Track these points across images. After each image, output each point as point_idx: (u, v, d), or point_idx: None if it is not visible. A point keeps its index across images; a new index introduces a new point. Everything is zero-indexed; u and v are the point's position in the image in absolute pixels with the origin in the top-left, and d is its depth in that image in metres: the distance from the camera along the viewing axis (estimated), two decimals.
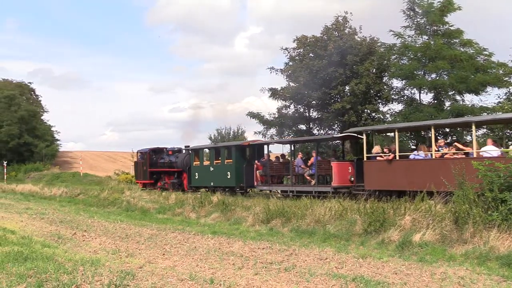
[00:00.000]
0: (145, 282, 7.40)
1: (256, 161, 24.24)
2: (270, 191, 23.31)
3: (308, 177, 21.79)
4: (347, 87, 29.36)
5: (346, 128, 26.41)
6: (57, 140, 66.95)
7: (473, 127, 16.10)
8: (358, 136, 20.24)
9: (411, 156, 17.77)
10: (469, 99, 25.75)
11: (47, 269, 7.79)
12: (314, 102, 31.59)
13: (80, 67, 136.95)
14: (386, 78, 29.16)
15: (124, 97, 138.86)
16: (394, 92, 28.16)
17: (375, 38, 30.01)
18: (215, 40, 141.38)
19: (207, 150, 28.27)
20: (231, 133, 47.99)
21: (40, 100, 69.14)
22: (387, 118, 28.38)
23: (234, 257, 9.97)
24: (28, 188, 36.39)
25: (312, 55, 30.23)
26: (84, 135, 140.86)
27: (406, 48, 26.14)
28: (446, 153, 16.72)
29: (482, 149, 15.82)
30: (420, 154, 17.47)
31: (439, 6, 25.34)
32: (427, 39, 25.91)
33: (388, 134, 22.97)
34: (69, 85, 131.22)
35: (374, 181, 18.15)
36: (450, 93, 25.26)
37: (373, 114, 29.19)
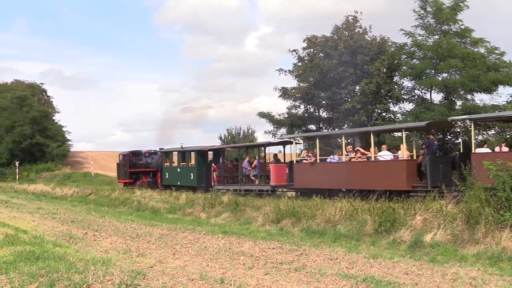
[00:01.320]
0: (155, 281, 7.41)
1: (213, 164, 27.79)
2: (227, 190, 25.13)
3: (253, 177, 25.24)
4: (357, 87, 29.28)
5: (357, 128, 26.86)
6: (69, 140, 67.36)
7: (371, 135, 19.54)
8: (295, 142, 23.69)
9: (328, 160, 20.87)
10: (480, 98, 25.60)
11: (59, 268, 7.83)
12: (324, 102, 31.55)
13: (90, 68, 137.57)
14: (396, 77, 29.03)
15: (134, 97, 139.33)
16: (404, 92, 28.03)
17: (385, 38, 29.92)
18: (224, 40, 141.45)
19: (175, 153, 30.78)
20: (241, 133, 48.02)
21: (51, 101, 69.60)
22: (398, 117, 28.27)
23: (244, 257, 9.97)
24: (39, 188, 36.63)
25: (322, 55, 30.17)
26: (95, 135, 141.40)
27: (417, 46, 26.01)
28: (353, 157, 19.92)
29: (378, 154, 18.93)
30: (335, 158, 20.70)
31: (451, 4, 25.21)
32: (437, 39, 25.77)
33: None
34: (79, 85, 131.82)
35: (300, 181, 21.24)
36: (461, 92, 25.07)
37: (384, 114, 29.09)
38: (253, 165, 25.51)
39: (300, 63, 31.65)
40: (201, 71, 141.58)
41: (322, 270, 8.56)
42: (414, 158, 18.42)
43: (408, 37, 26.66)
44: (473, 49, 25.15)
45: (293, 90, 31.65)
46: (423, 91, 27.23)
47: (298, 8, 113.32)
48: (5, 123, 58.60)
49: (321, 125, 32.36)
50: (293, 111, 32.38)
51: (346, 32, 29.83)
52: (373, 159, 18.91)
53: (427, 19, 26.41)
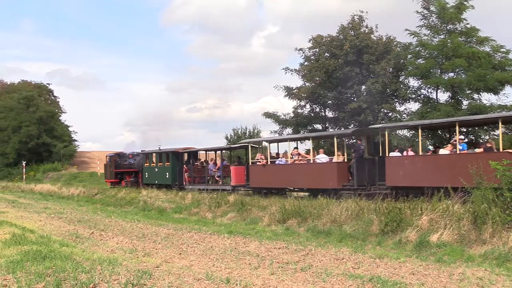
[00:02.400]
0: (161, 281, 7.43)
1: (184, 165, 30.17)
2: (199, 189, 27.72)
3: (217, 178, 27.66)
4: (363, 87, 29.22)
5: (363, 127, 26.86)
6: (75, 140, 67.62)
7: (310, 140, 23.51)
8: (253, 145, 25.98)
9: (277, 162, 23.23)
10: (487, 97, 25.47)
11: (65, 268, 7.86)
12: (330, 101, 31.51)
13: (96, 68, 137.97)
14: (402, 77, 28.94)
15: (141, 97, 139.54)
16: (411, 91, 27.92)
17: (391, 37, 29.84)
18: (231, 40, 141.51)
19: (154, 154, 33.02)
20: (247, 133, 48.00)
21: (58, 101, 69.90)
22: (404, 117, 28.20)
23: (250, 257, 9.98)
24: (46, 188, 36.81)
25: (328, 55, 30.14)
26: (101, 135, 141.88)
27: (422, 46, 25.93)
28: (296, 159, 22.25)
29: (316, 157, 21.47)
30: (283, 160, 23.07)
31: (456, 3, 25.12)
32: (442, 38, 25.67)
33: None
34: (86, 85, 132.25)
35: (255, 181, 23.72)
36: (467, 92, 24.96)
37: (390, 113, 29.02)
38: (217, 167, 28.07)
39: (306, 63, 31.63)
40: (208, 71, 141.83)
41: (328, 270, 8.56)
42: (346, 160, 20.79)
43: (413, 36, 26.59)
44: (478, 47, 25.03)
45: (296, 90, 31.60)
46: (429, 90, 27.13)
47: (305, 7, 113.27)
48: (12, 123, 58.89)
49: (327, 125, 32.32)
50: (299, 110, 32.36)
51: (352, 32, 29.77)
52: (311, 161, 21.44)
53: (431, 19, 26.31)
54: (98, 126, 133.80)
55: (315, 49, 31.30)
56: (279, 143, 25.14)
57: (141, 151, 35.64)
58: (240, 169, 25.58)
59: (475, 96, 25.37)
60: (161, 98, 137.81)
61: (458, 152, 17.06)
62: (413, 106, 28.56)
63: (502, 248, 9.55)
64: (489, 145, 17.11)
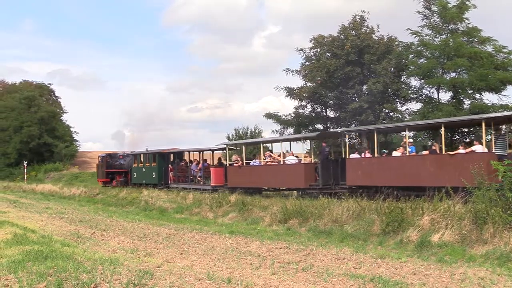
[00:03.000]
0: (163, 281, 7.43)
1: (170, 165, 31.87)
2: (183, 187, 29.24)
3: (199, 178, 28.98)
4: (364, 86, 29.21)
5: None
6: (76, 140, 67.66)
7: (280, 143, 24.29)
8: (231, 148, 27.89)
9: (251, 163, 24.83)
10: (489, 97, 25.45)
11: (67, 268, 7.86)
12: (331, 101, 31.49)
13: (97, 68, 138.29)
14: (404, 77, 28.92)
15: (142, 97, 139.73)
16: (412, 91, 27.89)
17: (392, 37, 29.82)
18: (232, 40, 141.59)
19: (142, 155, 34.74)
20: (248, 133, 48.00)
21: (59, 101, 69.91)
22: (405, 117, 28.18)
23: (251, 257, 9.98)
24: (48, 188, 36.86)
25: (329, 55, 30.12)
26: (102, 135, 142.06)
27: (424, 45, 25.90)
28: (268, 161, 24.00)
29: (286, 158, 22.78)
30: (257, 162, 24.67)
31: (457, 3, 25.09)
32: (444, 38, 25.65)
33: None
34: (87, 85, 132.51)
35: (232, 181, 25.04)
36: (469, 92, 24.93)
37: (391, 113, 29.00)
38: (198, 168, 29.38)
39: (307, 63, 31.61)
40: (209, 71, 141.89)
41: (329, 270, 8.55)
42: (313, 162, 22.12)
43: (415, 36, 26.57)
44: (480, 47, 25.00)
45: (297, 90, 31.59)
46: (431, 90, 27.12)
47: (306, 7, 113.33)
48: (13, 123, 58.94)
49: (328, 125, 32.31)
50: (300, 111, 32.35)
51: (353, 32, 29.75)
52: (282, 163, 22.88)
53: (433, 19, 26.29)
54: (98, 126, 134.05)
55: (316, 49, 31.29)
56: (267, 144, 26.75)
57: (131, 152, 37.83)
58: (219, 170, 26.90)
59: (477, 96, 25.35)
60: (162, 98, 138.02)
61: (407, 154, 18.43)
62: (415, 106, 28.57)
63: (504, 248, 9.54)
64: (434, 147, 18.54)
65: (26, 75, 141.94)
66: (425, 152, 18.63)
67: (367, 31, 29.95)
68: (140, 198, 24.90)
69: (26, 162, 50.72)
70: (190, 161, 31.37)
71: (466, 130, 24.15)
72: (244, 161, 25.03)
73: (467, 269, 8.56)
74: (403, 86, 28.51)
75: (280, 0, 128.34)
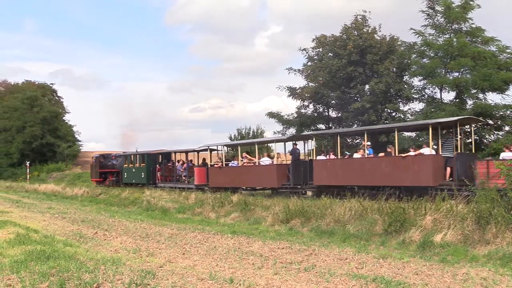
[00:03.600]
0: (165, 281, 7.44)
1: (157, 165, 33.33)
2: (169, 186, 30.43)
3: (184, 177, 30.56)
4: (366, 86, 29.20)
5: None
6: (78, 140, 67.71)
7: (255, 146, 26.35)
8: (212, 149, 28.79)
9: (230, 164, 26.32)
10: (492, 97, 25.44)
11: (69, 267, 7.88)
12: (333, 101, 31.50)
13: (99, 68, 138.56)
14: (406, 77, 28.90)
15: (143, 97, 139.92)
16: (415, 91, 27.87)
17: (395, 37, 29.80)
18: (234, 40, 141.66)
19: (132, 156, 35.95)
20: (251, 133, 47.97)
21: (62, 101, 69.95)
22: (408, 117, 28.16)
23: (253, 257, 9.98)
24: (50, 188, 36.88)
25: (331, 55, 30.12)
26: (104, 135, 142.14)
27: (427, 45, 25.86)
28: (245, 162, 25.60)
29: (261, 159, 24.54)
30: (235, 163, 26.18)
31: (461, 3, 25.05)
32: (448, 38, 25.61)
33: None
34: (89, 85, 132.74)
35: (213, 181, 26.52)
36: (473, 92, 24.88)
37: (394, 113, 28.99)
38: (183, 168, 30.96)
39: (309, 63, 31.62)
40: (211, 70, 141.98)
41: (332, 270, 8.55)
42: (285, 163, 24.02)
43: (418, 36, 26.52)
44: (484, 47, 24.96)
45: (299, 90, 31.62)
46: (433, 90, 27.09)
47: (308, 7, 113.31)
48: (16, 124, 59.00)
49: (330, 125, 32.31)
50: (302, 110, 32.37)
51: (355, 32, 29.75)
52: (257, 163, 24.60)
53: (436, 18, 26.25)
54: (101, 126, 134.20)
55: (318, 49, 31.30)
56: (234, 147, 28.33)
57: (123, 152, 39.65)
58: (202, 170, 28.27)
59: (480, 95, 25.29)
60: (164, 98, 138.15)
61: (366, 156, 20.01)
62: (417, 106, 28.55)
63: (506, 248, 9.53)
64: (389, 150, 19.98)
65: (28, 75, 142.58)
66: (381, 154, 20.10)
67: (369, 31, 29.94)
68: (142, 198, 24.89)
69: (28, 162, 50.79)
70: (178, 161, 32.57)
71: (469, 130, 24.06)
72: (224, 162, 26.64)
73: (469, 269, 8.55)
74: (405, 86, 28.49)
75: (283, 0, 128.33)
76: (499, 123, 24.65)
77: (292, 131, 32.34)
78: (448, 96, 26.55)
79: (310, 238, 12.73)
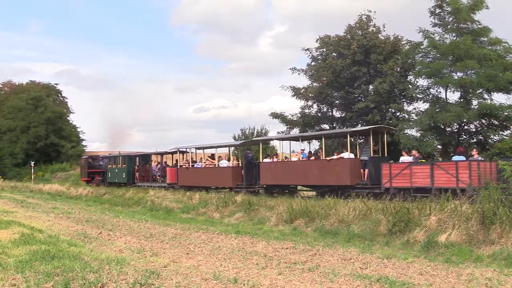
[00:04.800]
0: (169, 281, 7.45)
1: (136, 166, 36.16)
2: (145, 185, 32.90)
3: (158, 177, 33.69)
4: (371, 86, 29.11)
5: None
6: (83, 140, 67.79)
7: (215, 149, 29.61)
8: (181, 150, 31.13)
9: (195, 165, 29.20)
10: (497, 97, 25.32)
11: (74, 267, 7.90)
12: (337, 101, 31.44)
13: (105, 68, 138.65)
14: (411, 76, 28.81)
15: (149, 97, 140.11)
16: (419, 91, 27.77)
17: (399, 37, 29.72)
18: (239, 40, 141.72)
19: (115, 157, 38.96)
20: (255, 133, 47.99)
21: (66, 101, 70.01)
22: (412, 117, 28.07)
23: (257, 257, 9.98)
24: (54, 188, 37.02)
25: (335, 55, 30.07)
26: (110, 135, 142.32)
27: (434, 47, 25.74)
28: (207, 164, 28.76)
29: (220, 162, 27.60)
30: (199, 164, 29.15)
31: (469, 4, 24.92)
32: (454, 37, 25.51)
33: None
34: (94, 85, 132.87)
35: (182, 180, 29.29)
36: (478, 92, 24.77)
37: (398, 113, 28.91)
38: (157, 168, 34.37)
39: (313, 63, 31.57)
40: (216, 70, 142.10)
41: (336, 270, 8.54)
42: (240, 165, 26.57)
43: (425, 38, 26.37)
44: (490, 48, 24.85)
45: (303, 90, 31.58)
46: (438, 90, 26.98)
47: (313, 7, 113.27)
48: (20, 124, 59.08)
49: (334, 125, 32.25)
50: (306, 111, 32.32)
51: (360, 31, 29.68)
52: (217, 165, 27.70)
53: (444, 18, 26.10)
54: (106, 126, 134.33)
55: (322, 49, 31.25)
56: (204, 150, 30.67)
57: (109, 154, 43.12)
58: (173, 170, 31.02)
59: (486, 96, 25.17)
60: (169, 98, 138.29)
61: (300, 159, 23.13)
62: (422, 106, 28.45)
63: (511, 248, 9.50)
64: (319, 154, 22.95)
65: (33, 76, 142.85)
66: (312, 158, 22.81)
67: (374, 31, 29.87)
68: (147, 198, 24.95)
69: (33, 162, 50.90)
70: (161, 162, 35.72)
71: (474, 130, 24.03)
72: (190, 164, 29.60)
73: (474, 270, 8.53)
74: (409, 86, 28.40)
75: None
76: (504, 123, 24.52)
77: (296, 131, 32.30)
78: (453, 96, 26.45)
79: (314, 238, 12.73)
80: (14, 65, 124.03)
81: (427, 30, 26.23)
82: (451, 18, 25.81)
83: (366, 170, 20.03)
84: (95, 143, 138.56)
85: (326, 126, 32.33)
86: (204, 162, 28.94)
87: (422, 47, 26.87)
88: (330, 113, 32.58)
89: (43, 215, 19.44)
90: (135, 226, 15.93)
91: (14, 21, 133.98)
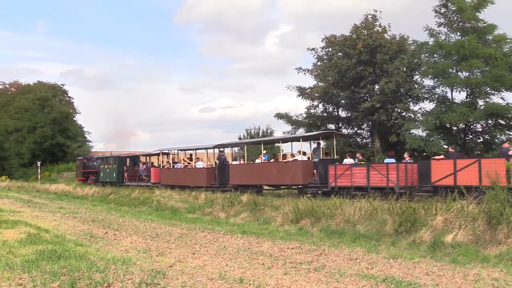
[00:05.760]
0: (175, 281, 7.45)
1: (124, 167, 38.60)
2: (134, 184, 35.06)
3: (144, 177, 36.01)
4: (376, 86, 29.05)
5: (376, 127, 27.04)
6: (89, 141, 68.02)
7: (193, 152, 32.14)
8: (164, 152, 34.88)
9: (175, 166, 32.29)
10: (504, 96, 25.12)
11: (80, 267, 7.92)
12: (343, 101, 31.39)
13: (110, 68, 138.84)
14: (417, 76, 28.72)
15: (154, 97, 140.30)
16: (425, 91, 27.67)
17: (405, 36, 29.64)
18: (244, 39, 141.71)
19: (107, 158, 41.59)
20: (260, 133, 48.00)
21: (72, 102, 70.21)
22: (418, 117, 27.98)
23: (263, 257, 9.97)
24: (61, 188, 37.15)
25: (341, 54, 30.01)
26: (115, 136, 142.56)
27: (440, 46, 25.62)
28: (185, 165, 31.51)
29: (196, 163, 30.10)
30: (179, 165, 32.06)
31: (473, 3, 24.77)
32: (459, 36, 25.39)
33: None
34: (99, 85, 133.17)
35: (164, 179, 32.01)
36: (484, 91, 24.62)
37: (404, 113, 28.83)
38: (143, 169, 36.76)
39: (319, 63, 31.53)
40: (221, 70, 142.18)
41: (342, 270, 8.53)
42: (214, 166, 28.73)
43: (430, 36, 26.26)
44: (495, 46, 24.70)
45: (309, 90, 31.54)
46: (444, 90, 26.87)
47: (319, 6, 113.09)
48: (27, 124, 59.35)
49: (340, 125, 32.21)
50: (312, 111, 32.28)
51: (365, 31, 29.61)
52: (193, 166, 30.28)
53: (449, 17, 25.97)
54: (111, 126, 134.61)
55: (328, 49, 31.20)
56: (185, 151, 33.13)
57: (102, 155, 45.67)
58: (157, 170, 33.82)
59: (493, 95, 25.01)
60: (174, 98, 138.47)
61: (262, 161, 25.31)
62: (428, 106, 28.36)
63: None
64: (277, 156, 25.70)
65: (40, 76, 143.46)
66: (272, 160, 25.21)
67: (379, 31, 29.79)
68: (152, 198, 24.99)
69: (39, 162, 51.12)
70: (143, 163, 38.06)
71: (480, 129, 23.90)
72: (171, 164, 32.73)
73: (481, 270, 8.49)
74: (415, 85, 28.32)
75: None
76: (511, 123, 24.39)
77: (301, 131, 32.28)
78: (460, 96, 26.33)
79: (320, 238, 12.71)
80: (20, 65, 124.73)
81: (432, 29, 26.13)
82: (456, 17, 25.68)
83: (316, 171, 22.04)
84: (101, 143, 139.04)
85: (331, 126, 32.28)
86: (183, 163, 31.63)
87: (427, 46, 26.76)
88: (336, 113, 32.54)
89: (49, 215, 19.50)
90: (141, 226, 15.95)
91: (21, 22, 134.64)
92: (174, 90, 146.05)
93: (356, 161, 22.03)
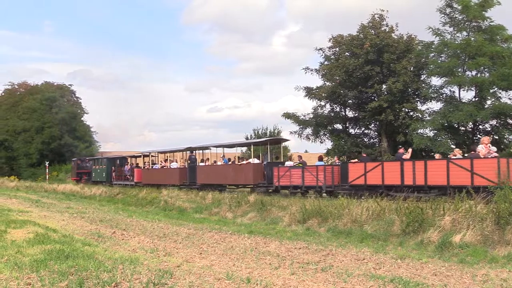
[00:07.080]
0: (182, 281, 7.46)
1: (112, 167, 41.21)
2: (120, 184, 37.65)
3: (129, 177, 38.05)
4: (384, 86, 29.00)
5: (384, 127, 27.06)
6: (97, 141, 68.20)
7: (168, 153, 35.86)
8: (145, 155, 38.69)
9: (154, 167, 35.42)
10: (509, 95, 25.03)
11: (88, 267, 7.94)
12: (350, 101, 31.35)
13: (117, 69, 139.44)
14: (424, 76, 28.63)
15: (161, 97, 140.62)
16: (432, 90, 27.58)
17: (412, 36, 29.55)
18: (252, 39, 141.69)
19: (98, 159, 44.83)
20: (268, 133, 47.96)
21: (80, 102, 70.40)
22: (426, 116, 27.91)
23: (270, 257, 9.96)
24: (69, 188, 37.26)
25: (348, 54, 29.96)
26: (122, 136, 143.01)
27: (445, 45, 25.54)
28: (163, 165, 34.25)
29: (171, 164, 32.94)
30: (157, 166, 34.83)
31: (479, 1, 24.67)
32: (466, 36, 25.29)
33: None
34: (107, 86, 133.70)
35: (146, 179, 34.68)
36: (492, 91, 24.51)
37: (411, 113, 28.75)
38: (127, 168, 39.07)
39: (326, 62, 31.50)
40: (228, 70, 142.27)
41: (349, 271, 8.50)
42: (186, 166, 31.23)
43: (436, 36, 26.19)
44: (503, 45, 24.60)
45: (316, 90, 31.53)
46: (451, 89, 26.78)
47: (326, 6, 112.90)
48: (35, 124, 59.59)
49: (347, 125, 32.18)
50: (319, 111, 32.26)
51: (373, 31, 29.55)
52: (168, 167, 33.01)
53: (454, 16, 25.89)
54: (119, 126, 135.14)
55: (335, 49, 31.16)
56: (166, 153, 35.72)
57: (93, 156, 49.26)
58: (139, 171, 36.55)
59: (501, 94, 24.89)
60: (181, 98, 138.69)
61: (222, 164, 28.10)
62: (435, 105, 28.28)
63: None
64: (233, 159, 28.88)
65: (48, 76, 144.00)
66: (230, 162, 27.99)
67: (387, 30, 29.73)
68: (160, 198, 25.02)
69: (48, 163, 51.36)
70: (131, 164, 40.42)
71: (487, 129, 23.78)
72: (150, 165, 36.06)
73: (489, 270, 8.44)
74: (423, 85, 28.23)
75: None
76: None
77: (308, 131, 32.28)
78: (467, 95, 26.23)
79: (327, 238, 12.69)
80: (28, 66, 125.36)
81: (437, 29, 26.04)
82: (461, 17, 25.58)
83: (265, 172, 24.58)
84: (108, 143, 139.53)
85: (338, 126, 32.27)
86: (160, 164, 34.86)
87: (434, 46, 26.68)
88: (343, 113, 32.51)
89: (57, 214, 19.57)
90: (148, 226, 15.98)
91: (27, 22, 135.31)
92: (181, 91, 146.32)
93: (295, 163, 24.16)
